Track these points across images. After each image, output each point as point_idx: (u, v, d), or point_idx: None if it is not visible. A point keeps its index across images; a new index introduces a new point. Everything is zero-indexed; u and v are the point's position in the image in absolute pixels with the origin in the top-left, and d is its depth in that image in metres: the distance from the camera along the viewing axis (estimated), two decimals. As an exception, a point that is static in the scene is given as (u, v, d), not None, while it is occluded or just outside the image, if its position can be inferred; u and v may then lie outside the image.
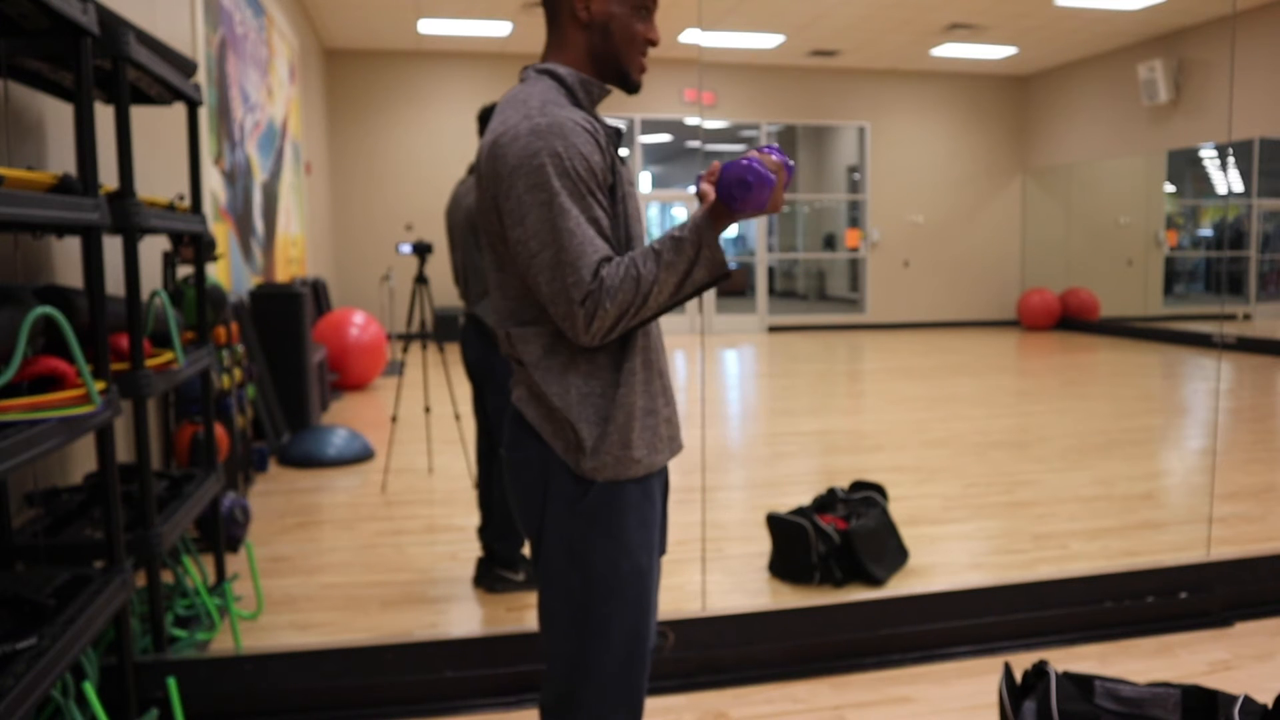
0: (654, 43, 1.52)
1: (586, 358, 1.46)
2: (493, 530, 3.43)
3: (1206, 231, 13.30)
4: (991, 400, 7.34)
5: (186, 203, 4.15)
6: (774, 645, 2.79)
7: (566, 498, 1.49)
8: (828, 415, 6.84)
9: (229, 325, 4.39)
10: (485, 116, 3.40)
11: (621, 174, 1.48)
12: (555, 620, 1.53)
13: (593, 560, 1.49)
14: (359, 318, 7.85)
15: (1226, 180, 12.58)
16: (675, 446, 1.59)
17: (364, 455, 5.47)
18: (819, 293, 16.98)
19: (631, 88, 1.54)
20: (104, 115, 3.22)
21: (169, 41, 4.39)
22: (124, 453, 3.43)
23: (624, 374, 1.48)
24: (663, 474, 1.61)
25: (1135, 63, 11.17)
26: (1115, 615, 3.05)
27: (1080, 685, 2.12)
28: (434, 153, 11.57)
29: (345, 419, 6.67)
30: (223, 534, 3.37)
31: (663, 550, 1.62)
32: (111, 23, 2.37)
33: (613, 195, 1.45)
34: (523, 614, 3.23)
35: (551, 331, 1.46)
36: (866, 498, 3.71)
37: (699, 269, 1.39)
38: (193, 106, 3.12)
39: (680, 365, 9.72)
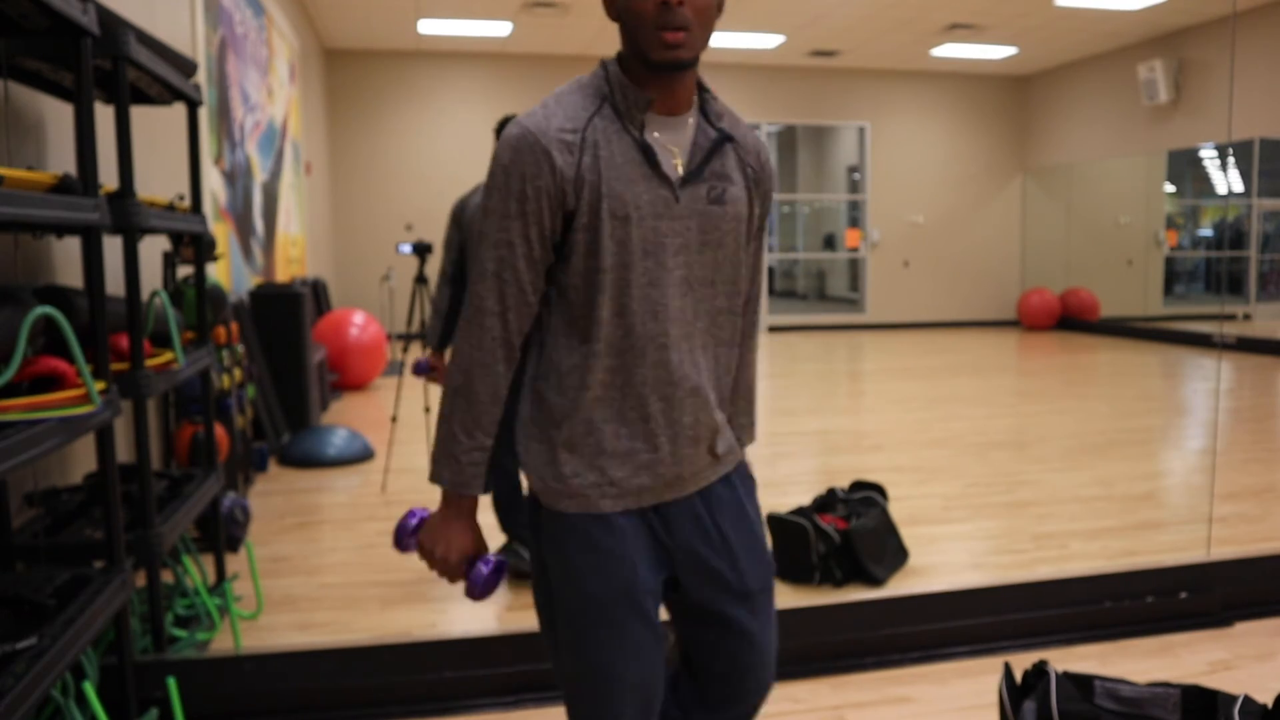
0: (666, 4, 1.31)
1: (554, 371, 1.43)
2: (502, 515, 3.46)
3: (1206, 231, 13.30)
4: (991, 400, 7.35)
5: (186, 203, 4.15)
6: (774, 645, 2.79)
7: (530, 507, 1.51)
8: (828, 415, 6.83)
9: (229, 325, 4.39)
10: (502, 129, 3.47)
11: (605, 198, 1.35)
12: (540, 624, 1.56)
13: (548, 577, 1.47)
14: (359, 318, 7.85)
15: (1226, 180, 12.59)
16: (657, 496, 1.46)
17: (364, 455, 5.47)
18: (819, 293, 16.99)
19: (652, 66, 1.35)
20: (104, 115, 3.22)
21: (169, 41, 4.39)
22: (124, 453, 3.43)
23: (584, 402, 1.41)
24: (656, 508, 1.48)
25: (1135, 63, 11.17)
26: (1115, 615, 3.05)
27: (1080, 685, 2.12)
28: (434, 153, 11.57)
29: (345, 419, 6.67)
30: (223, 534, 3.37)
31: (692, 589, 1.51)
32: (111, 23, 2.37)
33: (573, 219, 1.36)
34: (523, 614, 3.23)
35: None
36: (866, 498, 3.71)
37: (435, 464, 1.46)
38: (193, 106, 3.12)
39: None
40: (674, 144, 1.40)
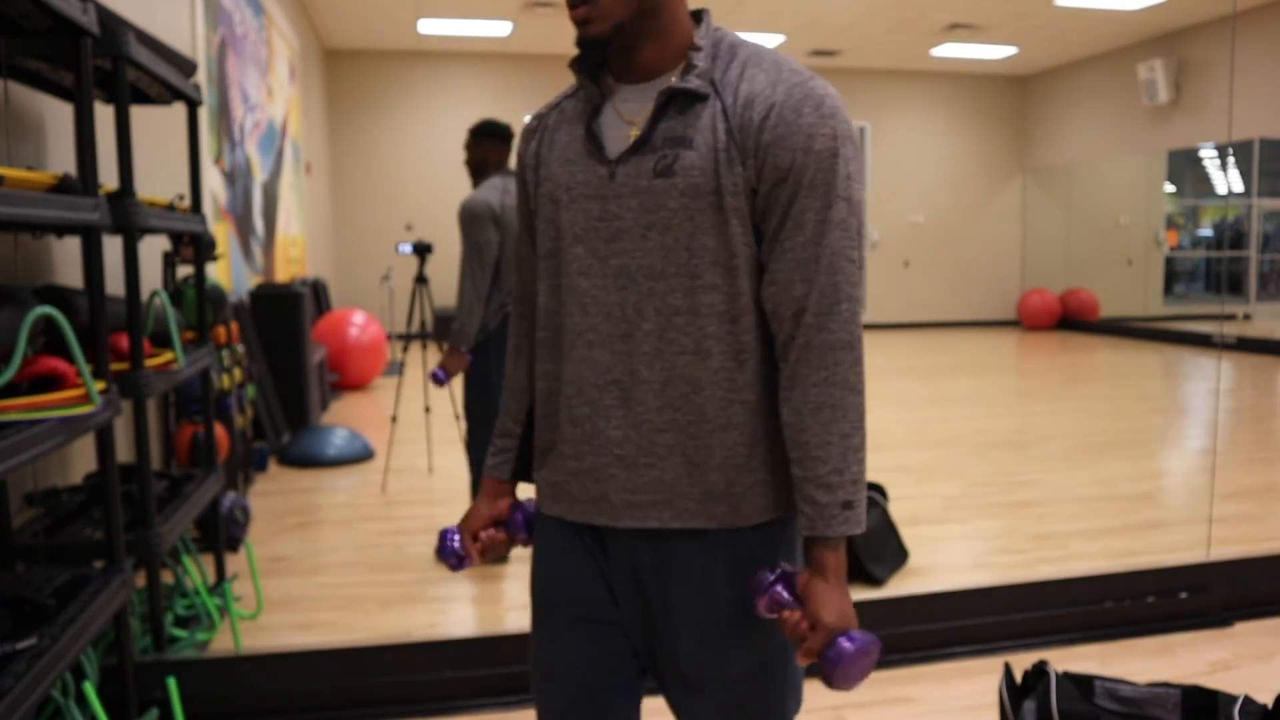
0: None
1: None
2: None
3: (1206, 231, 13.30)
4: (992, 400, 7.34)
5: (186, 203, 4.15)
6: (774, 645, 2.79)
7: None
8: (828, 415, 6.82)
9: (229, 325, 4.39)
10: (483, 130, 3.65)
11: (544, 182, 1.28)
12: None
13: None
14: (359, 318, 7.85)
15: (1226, 180, 12.59)
16: (585, 514, 1.28)
17: (364, 455, 5.47)
18: (819, 293, 16.99)
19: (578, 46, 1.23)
20: (104, 115, 3.22)
21: (169, 41, 4.39)
22: (124, 453, 3.43)
23: (537, 397, 1.35)
24: (594, 531, 1.30)
25: (1135, 63, 11.17)
26: (1115, 615, 3.05)
27: (1080, 685, 2.12)
28: (434, 153, 11.57)
29: (345, 419, 6.67)
30: (223, 534, 3.37)
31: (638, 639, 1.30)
32: (111, 23, 2.37)
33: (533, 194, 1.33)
34: (523, 614, 3.23)
35: None
36: (866, 497, 3.71)
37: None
38: (193, 106, 3.12)
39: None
40: (637, 115, 1.21)
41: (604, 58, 1.25)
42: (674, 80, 1.18)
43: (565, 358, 1.26)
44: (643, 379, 1.20)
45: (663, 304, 1.18)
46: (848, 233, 1.18)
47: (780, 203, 1.16)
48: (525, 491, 1.44)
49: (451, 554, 1.42)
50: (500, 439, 1.43)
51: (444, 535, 1.44)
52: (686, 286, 1.17)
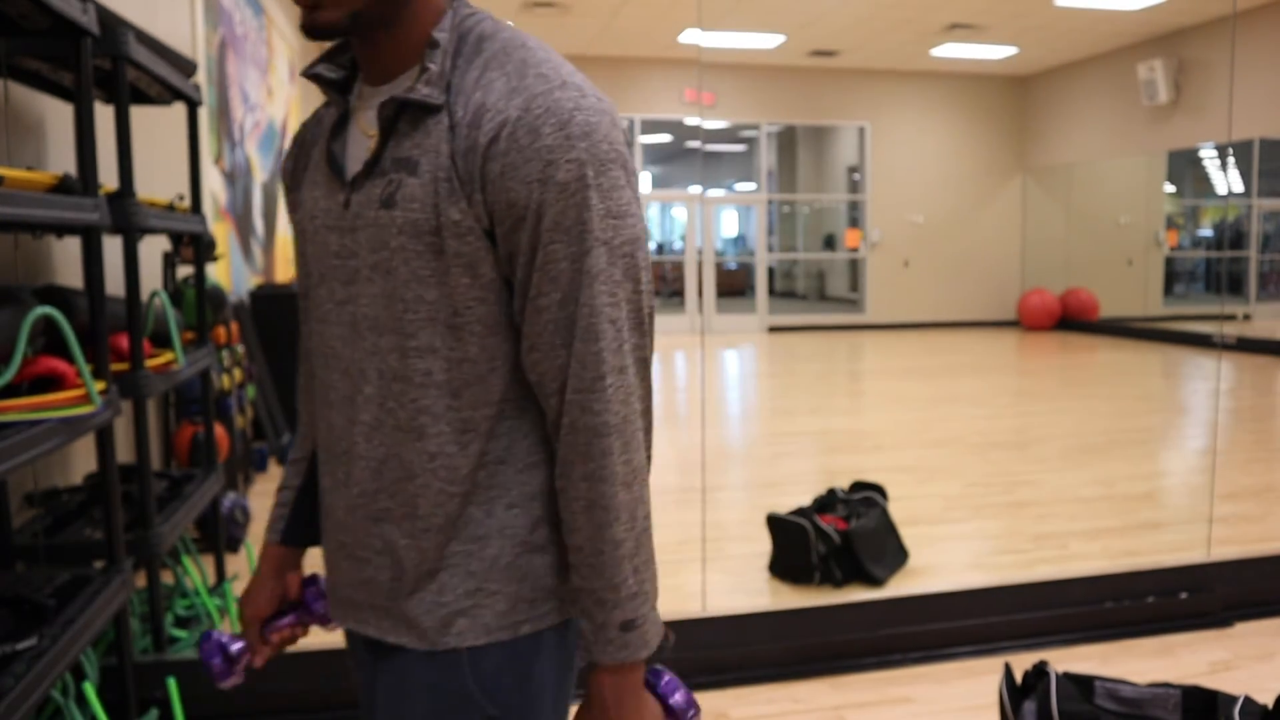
0: None
1: None
2: None
3: (1206, 231, 13.30)
4: (992, 400, 7.34)
5: (186, 203, 4.15)
6: (774, 645, 2.79)
7: None
8: (828, 415, 6.83)
9: (229, 325, 4.39)
10: None
11: (298, 191, 1.06)
12: None
13: None
14: (359, 318, 7.85)
15: (1226, 180, 12.59)
16: (330, 604, 1.08)
17: (364, 455, 5.46)
18: (819, 293, 16.99)
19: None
20: (104, 115, 3.22)
21: (169, 41, 4.39)
22: (124, 453, 3.43)
23: None
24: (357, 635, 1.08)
25: (1135, 63, 11.18)
26: (1115, 615, 3.05)
27: (1080, 685, 2.12)
28: (434, 153, 11.57)
29: (345, 419, 6.67)
30: (223, 534, 3.38)
31: None
32: (111, 23, 2.37)
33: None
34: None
35: None
36: (866, 498, 3.71)
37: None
38: (193, 106, 3.12)
39: (680, 365, 9.72)
40: (375, 127, 0.96)
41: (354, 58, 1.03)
42: (400, 89, 0.96)
43: (320, 420, 1.04)
44: (360, 454, 0.98)
45: (383, 365, 0.95)
46: (609, 286, 0.91)
47: (523, 249, 0.91)
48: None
49: (218, 674, 1.13)
50: (279, 492, 1.17)
51: (206, 651, 1.13)
52: (400, 347, 0.94)
